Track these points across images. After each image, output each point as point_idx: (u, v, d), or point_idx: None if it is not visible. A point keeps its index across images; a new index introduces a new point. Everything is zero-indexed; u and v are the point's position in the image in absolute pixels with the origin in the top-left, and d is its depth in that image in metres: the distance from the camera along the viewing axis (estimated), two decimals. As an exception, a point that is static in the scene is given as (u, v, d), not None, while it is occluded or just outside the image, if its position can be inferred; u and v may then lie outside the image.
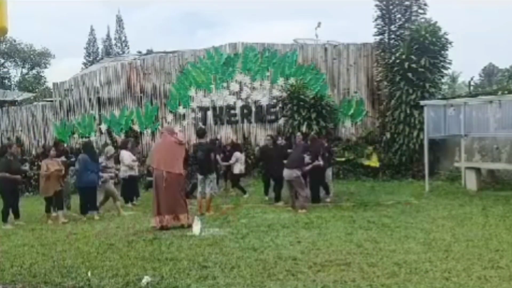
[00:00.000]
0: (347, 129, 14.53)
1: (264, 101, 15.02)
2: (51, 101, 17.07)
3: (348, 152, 13.60)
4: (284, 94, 14.10)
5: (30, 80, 38.11)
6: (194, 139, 14.71)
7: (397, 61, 12.69)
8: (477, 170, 10.66)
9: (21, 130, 16.77)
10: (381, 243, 6.17)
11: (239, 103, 15.20)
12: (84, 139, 14.98)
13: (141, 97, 15.89)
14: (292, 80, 14.44)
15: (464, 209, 8.45)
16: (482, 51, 65.95)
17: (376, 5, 13.64)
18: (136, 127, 15.86)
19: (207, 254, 5.96)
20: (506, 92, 10.99)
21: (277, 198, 9.94)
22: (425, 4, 13.39)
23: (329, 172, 10.26)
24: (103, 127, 16.08)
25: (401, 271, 4.99)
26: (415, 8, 13.39)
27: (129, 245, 6.67)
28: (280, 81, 14.81)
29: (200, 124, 15.06)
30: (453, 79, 37.65)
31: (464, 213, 8.07)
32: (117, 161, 10.86)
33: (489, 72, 42.09)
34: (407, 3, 13.39)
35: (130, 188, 10.97)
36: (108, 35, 42.06)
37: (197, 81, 15.45)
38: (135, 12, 71.27)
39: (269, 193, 10.68)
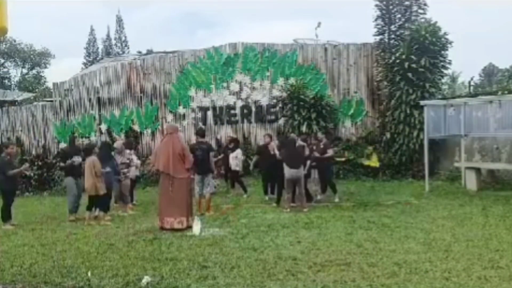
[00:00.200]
0: (347, 129, 14.53)
1: (264, 101, 15.02)
2: (51, 101, 17.05)
3: (348, 152, 13.59)
4: (284, 94, 14.09)
5: (30, 80, 38.11)
6: (194, 139, 14.80)
7: (397, 61, 12.69)
8: (477, 170, 10.66)
9: (21, 130, 16.76)
10: (381, 243, 6.17)
11: (239, 103, 15.19)
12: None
13: (141, 97, 15.88)
14: (292, 80, 14.44)
15: (464, 209, 8.46)
16: (482, 51, 65.98)
17: (376, 5, 13.64)
18: (136, 127, 15.85)
19: (207, 254, 5.96)
20: (506, 92, 11.00)
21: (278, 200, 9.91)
22: (425, 4, 13.41)
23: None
24: (103, 127, 16.07)
25: (401, 271, 4.99)
26: (415, 8, 13.40)
27: (129, 245, 6.67)
28: (280, 81, 14.80)
29: (200, 124, 15.05)
30: (453, 79, 37.65)
31: (464, 213, 8.08)
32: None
33: (489, 72, 42.11)
34: (407, 3, 13.39)
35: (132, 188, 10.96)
36: (108, 35, 42.08)
37: (197, 81, 15.45)
38: (135, 12, 71.28)
39: (268, 192, 10.69)
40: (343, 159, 13.37)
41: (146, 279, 4.98)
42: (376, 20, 13.69)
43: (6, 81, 37.92)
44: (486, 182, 10.86)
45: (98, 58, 36.64)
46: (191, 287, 4.79)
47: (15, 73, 39.40)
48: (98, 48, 41.81)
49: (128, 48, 41.50)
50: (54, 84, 17.17)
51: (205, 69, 15.40)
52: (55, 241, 7.26)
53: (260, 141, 13.96)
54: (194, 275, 5.10)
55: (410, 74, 12.43)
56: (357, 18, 75.72)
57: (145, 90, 15.84)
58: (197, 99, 15.48)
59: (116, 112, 16.03)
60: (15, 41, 36.26)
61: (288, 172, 9.13)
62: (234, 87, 15.21)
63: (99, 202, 8.84)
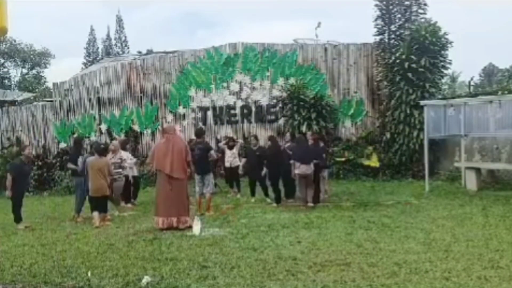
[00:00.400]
0: (347, 129, 14.52)
1: (264, 101, 15.02)
2: (51, 101, 17.06)
3: (348, 152, 13.59)
4: (284, 94, 14.09)
5: (30, 80, 38.10)
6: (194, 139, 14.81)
7: (397, 61, 12.68)
8: (477, 170, 10.66)
9: (21, 130, 16.77)
10: (381, 243, 6.17)
11: (239, 103, 15.19)
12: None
13: (141, 97, 15.89)
14: (292, 80, 14.44)
15: (464, 209, 8.45)
16: (482, 51, 66.03)
17: (376, 5, 13.63)
18: (136, 127, 15.85)
19: (207, 254, 5.96)
20: (506, 92, 10.99)
21: (278, 199, 9.91)
22: (425, 4, 13.39)
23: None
24: (103, 127, 16.08)
25: (401, 271, 4.99)
26: (415, 8, 13.38)
27: (129, 245, 6.67)
28: (280, 81, 14.80)
29: (200, 124, 15.07)
30: (453, 79, 37.63)
31: (464, 213, 8.07)
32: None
33: (489, 72, 42.11)
34: (407, 3, 13.38)
35: (129, 188, 10.96)
36: (108, 35, 42.11)
37: (197, 81, 15.45)
38: (135, 12, 71.36)
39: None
40: (343, 159, 13.39)
41: (146, 279, 4.98)
42: (376, 20, 13.68)
43: (6, 81, 37.91)
44: (486, 182, 10.86)
45: (98, 58, 36.65)
46: (191, 287, 4.79)
47: (15, 73, 39.45)
48: (98, 48, 41.86)
49: (128, 48, 41.55)
50: (54, 84, 17.18)
51: (205, 69, 15.41)
52: (55, 241, 7.26)
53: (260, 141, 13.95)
54: (194, 275, 5.10)
55: (410, 74, 12.42)
56: (357, 18, 75.84)
57: (145, 90, 15.84)
58: (197, 99, 15.48)
59: (116, 112, 16.03)
60: (15, 41, 36.27)
61: (299, 168, 9.19)
62: (234, 87, 15.21)
63: (103, 203, 8.75)
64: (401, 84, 12.68)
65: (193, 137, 11.53)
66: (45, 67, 39.39)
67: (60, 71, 45.73)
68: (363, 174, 13.18)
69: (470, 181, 10.62)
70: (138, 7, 71.64)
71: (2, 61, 37.66)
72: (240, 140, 13.26)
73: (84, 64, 39.34)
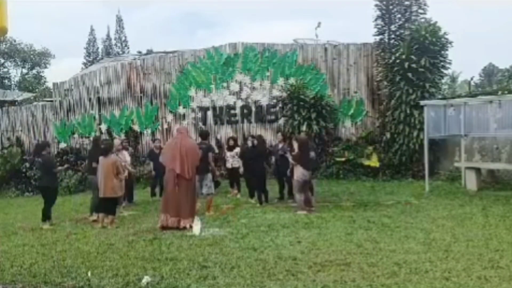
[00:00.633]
0: (347, 129, 14.52)
1: (264, 101, 15.02)
2: (51, 101, 17.06)
3: (348, 152, 13.59)
4: (284, 94, 14.09)
5: (30, 80, 38.12)
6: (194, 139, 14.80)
7: (397, 61, 12.68)
8: (477, 170, 10.66)
9: (21, 130, 16.77)
10: (381, 243, 6.17)
11: (239, 103, 15.19)
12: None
13: (141, 97, 15.89)
14: (292, 80, 14.43)
15: (464, 209, 8.45)
16: (482, 51, 66.09)
17: (376, 5, 13.63)
18: (136, 127, 15.85)
19: (207, 254, 5.96)
20: (506, 92, 10.99)
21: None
22: (425, 4, 13.38)
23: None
24: (103, 127, 16.08)
25: (401, 271, 4.99)
26: (415, 8, 13.38)
27: (129, 245, 6.68)
28: (280, 81, 14.80)
29: (200, 124, 15.06)
30: (453, 79, 37.65)
31: (464, 213, 8.08)
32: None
33: (489, 72, 42.16)
34: (407, 3, 13.37)
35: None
36: (108, 35, 42.15)
37: (197, 81, 15.45)
38: (135, 12, 71.41)
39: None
40: (343, 159, 13.38)
41: (146, 279, 4.98)
42: (376, 20, 13.68)
43: (6, 81, 37.92)
44: (486, 182, 10.86)
45: (98, 58, 36.67)
46: (191, 287, 4.79)
47: (15, 73, 39.48)
48: (98, 48, 41.90)
49: (128, 48, 41.60)
50: (54, 84, 17.17)
51: (205, 69, 15.40)
52: (55, 241, 7.27)
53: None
54: (194, 275, 5.11)
55: (410, 74, 12.42)
56: (357, 18, 75.94)
57: (145, 90, 15.84)
58: (197, 99, 15.48)
59: (116, 112, 16.03)
60: (15, 41, 36.30)
61: (304, 174, 8.93)
62: (234, 87, 15.21)
63: (111, 204, 8.51)
64: (401, 84, 12.68)
65: (194, 137, 11.54)
66: (45, 67, 39.47)
67: (60, 71, 45.83)
68: (363, 174, 13.18)
69: (470, 181, 10.62)
70: (138, 7, 71.80)
71: (2, 61, 37.67)
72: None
73: (84, 64, 39.36)
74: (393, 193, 10.78)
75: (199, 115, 15.42)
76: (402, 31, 13.25)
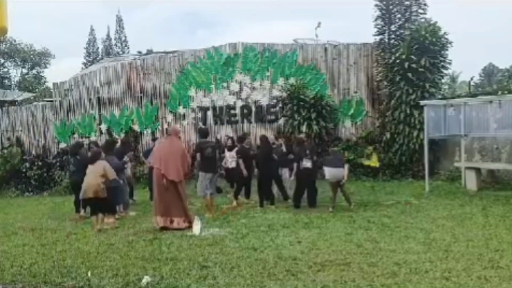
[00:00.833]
0: (347, 129, 14.52)
1: (264, 101, 15.02)
2: (51, 101, 17.05)
3: (348, 152, 13.58)
4: (284, 94, 14.09)
5: (30, 80, 38.11)
6: (194, 139, 14.80)
7: (397, 61, 12.68)
8: (477, 170, 10.65)
9: (21, 130, 16.76)
10: (381, 243, 6.18)
11: (239, 103, 15.19)
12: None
13: (141, 97, 15.88)
14: (292, 80, 14.43)
15: (464, 209, 8.45)
16: (482, 51, 66.09)
17: (376, 5, 13.63)
18: (136, 127, 15.85)
19: (207, 254, 5.96)
20: (506, 92, 10.99)
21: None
22: (425, 4, 13.38)
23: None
24: (103, 127, 16.08)
25: (401, 271, 4.99)
26: (415, 8, 13.38)
27: (129, 245, 6.68)
28: (280, 81, 14.80)
29: (200, 124, 15.06)
30: (453, 79, 37.64)
31: (464, 213, 8.08)
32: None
33: (489, 72, 42.15)
34: (407, 3, 13.37)
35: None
36: (108, 35, 42.15)
37: (197, 81, 15.45)
38: (135, 12, 71.44)
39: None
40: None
41: (146, 279, 4.98)
42: (376, 20, 13.68)
43: (6, 81, 37.91)
44: (486, 182, 10.85)
45: (98, 58, 36.68)
46: (191, 287, 4.79)
47: (15, 73, 39.45)
48: (98, 48, 41.90)
49: (128, 48, 41.60)
50: (54, 84, 17.17)
51: (205, 69, 15.40)
52: (55, 241, 7.27)
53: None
54: (194, 275, 5.11)
55: (410, 74, 12.42)
56: (357, 18, 75.97)
57: (145, 90, 15.84)
58: (197, 99, 15.47)
59: (116, 112, 16.03)
60: (15, 41, 36.27)
61: (331, 171, 9.01)
62: (234, 87, 15.21)
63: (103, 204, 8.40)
64: (401, 84, 12.68)
65: (194, 137, 11.52)
66: (45, 67, 39.45)
67: (60, 71, 45.88)
68: (363, 174, 13.18)
69: (470, 181, 10.62)
70: (138, 7, 71.80)
71: (2, 61, 37.66)
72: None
73: (84, 64, 39.36)
74: (393, 193, 10.79)
75: (199, 115, 15.42)
76: (402, 31, 13.24)
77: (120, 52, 39.09)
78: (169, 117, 15.66)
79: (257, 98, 15.06)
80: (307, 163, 9.40)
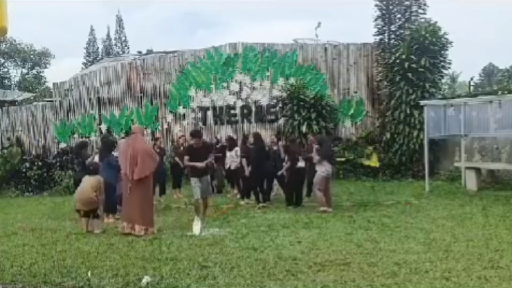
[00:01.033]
0: (347, 129, 14.53)
1: (264, 101, 15.02)
2: (51, 101, 17.04)
3: (348, 152, 13.59)
4: (284, 94, 14.10)
5: (30, 80, 38.09)
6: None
7: (397, 61, 12.69)
8: (477, 170, 10.66)
9: (21, 130, 16.74)
10: (381, 243, 6.17)
11: (239, 103, 15.19)
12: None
13: (141, 97, 15.88)
14: (292, 80, 14.44)
15: (464, 209, 8.45)
16: (482, 51, 66.10)
17: (376, 5, 13.65)
18: (136, 127, 15.83)
19: (207, 254, 5.96)
20: (506, 92, 11.00)
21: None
22: (425, 4, 13.41)
23: None
24: (103, 127, 16.07)
25: (401, 271, 4.99)
26: (415, 8, 13.40)
27: (129, 245, 6.67)
28: (280, 81, 14.80)
29: (200, 124, 15.06)
30: (453, 79, 37.65)
31: (464, 213, 8.07)
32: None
33: (489, 72, 42.15)
34: (407, 3, 13.39)
35: None
36: (108, 35, 42.13)
37: (197, 81, 15.45)
38: (135, 12, 71.41)
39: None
40: (343, 159, 13.38)
41: (146, 279, 4.97)
42: (376, 20, 13.70)
43: (6, 81, 37.89)
44: (486, 182, 10.85)
45: (98, 58, 36.66)
46: (191, 287, 4.79)
47: (15, 73, 39.40)
48: (98, 48, 41.88)
49: (128, 48, 41.58)
50: (54, 84, 17.16)
51: (205, 69, 15.41)
52: (55, 241, 7.26)
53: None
54: (194, 275, 5.10)
55: (410, 74, 12.43)
56: (357, 18, 75.97)
57: (145, 90, 15.84)
58: (197, 99, 15.48)
59: (116, 112, 16.03)
60: (15, 41, 36.22)
61: (327, 168, 8.96)
62: (234, 87, 15.22)
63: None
64: (401, 84, 12.69)
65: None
66: (45, 67, 39.40)
67: (60, 71, 45.81)
68: (363, 174, 13.19)
69: (470, 181, 10.62)
70: (138, 7, 71.76)
71: (2, 61, 37.65)
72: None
73: (84, 64, 39.34)
74: (393, 193, 10.78)
75: (199, 115, 15.42)
76: (402, 31, 13.27)
77: (120, 52, 39.09)
78: (169, 117, 15.66)
79: (257, 98, 15.07)
80: (301, 163, 9.42)
